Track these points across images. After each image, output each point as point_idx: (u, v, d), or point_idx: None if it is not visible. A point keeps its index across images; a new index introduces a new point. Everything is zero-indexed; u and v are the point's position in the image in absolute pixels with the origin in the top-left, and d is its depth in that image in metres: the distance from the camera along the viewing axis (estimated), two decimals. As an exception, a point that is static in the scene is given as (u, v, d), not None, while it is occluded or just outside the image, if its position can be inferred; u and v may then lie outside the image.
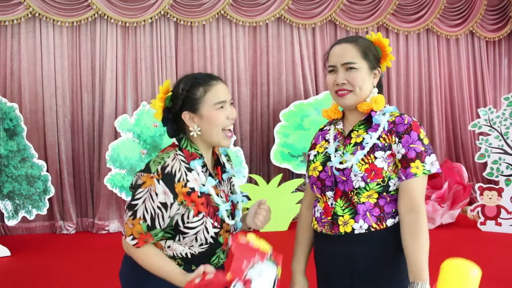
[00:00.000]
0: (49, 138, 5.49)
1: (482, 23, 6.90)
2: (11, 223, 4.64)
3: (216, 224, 1.45)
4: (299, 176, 5.83)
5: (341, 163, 1.47)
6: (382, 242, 1.45)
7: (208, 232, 1.44)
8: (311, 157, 1.60)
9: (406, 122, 1.47)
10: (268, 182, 5.47)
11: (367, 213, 1.45)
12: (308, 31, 6.31)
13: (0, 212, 4.78)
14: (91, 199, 5.68)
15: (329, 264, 1.54)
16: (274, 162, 5.68)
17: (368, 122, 1.52)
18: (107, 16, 5.57)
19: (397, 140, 1.45)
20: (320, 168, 1.53)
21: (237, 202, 1.57)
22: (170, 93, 1.52)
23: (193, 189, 1.42)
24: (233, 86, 6.01)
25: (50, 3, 5.40)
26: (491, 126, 5.31)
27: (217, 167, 1.57)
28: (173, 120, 1.52)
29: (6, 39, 5.42)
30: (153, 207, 1.38)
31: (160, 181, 1.38)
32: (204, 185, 1.45)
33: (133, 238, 1.42)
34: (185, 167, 1.44)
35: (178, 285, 1.41)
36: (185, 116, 1.47)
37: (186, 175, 1.43)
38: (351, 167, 1.44)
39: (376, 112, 1.50)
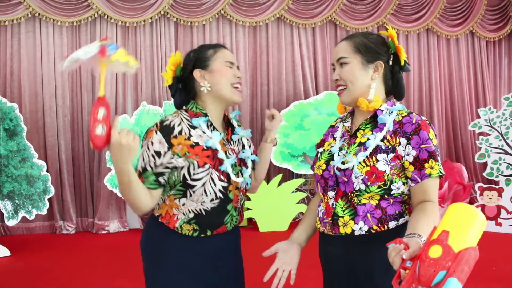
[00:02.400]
0: (49, 138, 5.49)
1: (482, 23, 6.90)
2: (11, 223, 4.64)
3: (222, 177, 1.52)
4: (299, 176, 5.83)
5: (343, 163, 1.45)
6: (383, 245, 1.39)
7: (215, 185, 1.51)
8: (318, 155, 1.59)
9: (414, 122, 1.40)
10: (268, 182, 5.46)
11: (368, 214, 1.42)
12: (308, 31, 6.31)
13: (0, 212, 4.78)
14: (91, 199, 5.68)
15: (330, 263, 1.54)
16: (274, 162, 5.67)
17: (374, 121, 1.48)
18: (107, 16, 5.57)
19: (404, 141, 1.40)
20: (324, 166, 1.51)
21: (246, 159, 1.63)
22: (181, 64, 1.64)
23: (197, 143, 1.52)
24: (233, 86, 6.01)
25: (50, 3, 5.40)
26: (491, 126, 5.31)
27: (229, 128, 1.66)
28: (181, 89, 1.63)
29: (6, 39, 5.43)
30: (148, 155, 1.51)
31: (158, 132, 1.51)
32: (211, 138, 1.54)
33: None
34: (188, 124, 1.54)
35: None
36: (196, 73, 1.58)
37: (189, 130, 1.53)
38: (352, 168, 1.41)
39: (382, 111, 1.46)
